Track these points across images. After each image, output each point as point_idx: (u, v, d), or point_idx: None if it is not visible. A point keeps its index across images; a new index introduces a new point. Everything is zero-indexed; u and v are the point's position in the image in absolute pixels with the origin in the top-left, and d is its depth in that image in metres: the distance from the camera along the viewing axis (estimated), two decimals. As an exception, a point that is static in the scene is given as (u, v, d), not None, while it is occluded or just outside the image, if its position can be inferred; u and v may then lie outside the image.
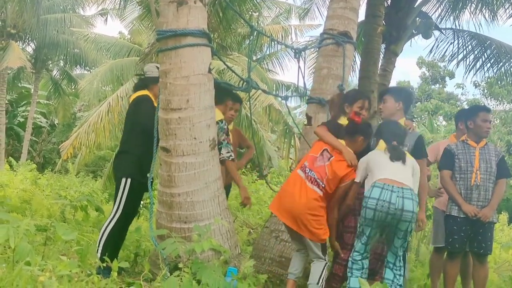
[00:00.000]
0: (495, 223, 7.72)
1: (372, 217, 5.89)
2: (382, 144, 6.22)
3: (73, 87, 38.08)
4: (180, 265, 5.54)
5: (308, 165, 6.25)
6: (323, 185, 6.13)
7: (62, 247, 6.72)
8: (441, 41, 15.11)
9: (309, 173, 6.20)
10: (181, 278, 5.24)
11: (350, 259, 6.14)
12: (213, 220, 6.23)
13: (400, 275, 6.09)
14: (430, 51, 15.52)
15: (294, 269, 6.48)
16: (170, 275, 5.42)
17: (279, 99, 24.98)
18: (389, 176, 5.93)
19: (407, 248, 6.88)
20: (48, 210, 10.56)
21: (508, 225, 22.13)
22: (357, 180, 6.21)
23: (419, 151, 6.67)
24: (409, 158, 6.12)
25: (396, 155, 6.03)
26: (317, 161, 6.23)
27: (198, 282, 5.36)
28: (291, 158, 24.23)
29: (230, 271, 5.79)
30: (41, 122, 40.25)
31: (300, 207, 6.09)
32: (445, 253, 8.01)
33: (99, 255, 6.46)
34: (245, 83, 7.38)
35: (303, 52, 8.68)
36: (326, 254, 6.33)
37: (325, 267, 6.27)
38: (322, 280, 6.21)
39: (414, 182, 6.09)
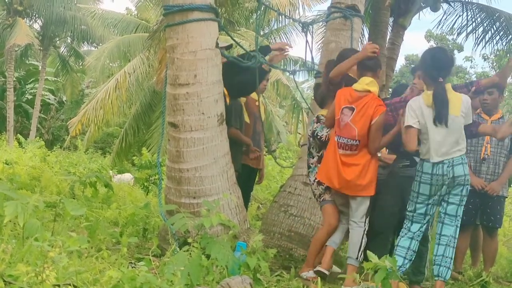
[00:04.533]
0: (506, 197, 7.66)
1: (428, 193, 5.91)
2: (427, 97, 5.89)
3: (80, 63, 38.14)
4: (189, 240, 5.54)
5: (336, 131, 6.21)
6: (357, 143, 6.11)
7: (71, 223, 6.72)
8: (449, 14, 14.96)
9: (339, 140, 6.17)
10: (190, 253, 5.24)
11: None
12: (221, 195, 6.23)
13: (453, 247, 6.04)
14: (439, 24, 15.41)
15: (335, 237, 6.43)
16: (180, 250, 5.42)
17: (287, 74, 24.94)
18: (441, 154, 5.85)
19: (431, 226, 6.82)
20: (57, 187, 10.56)
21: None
22: (410, 123, 5.90)
23: None
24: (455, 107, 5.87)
25: (440, 118, 5.79)
26: (341, 122, 6.15)
27: (208, 257, 5.36)
28: (299, 133, 24.20)
29: (239, 246, 5.79)
30: (49, 99, 40.31)
31: (344, 178, 6.14)
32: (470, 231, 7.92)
33: None
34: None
35: (310, 26, 8.66)
36: (367, 218, 6.30)
37: (364, 234, 6.24)
38: (361, 252, 6.18)
39: (467, 121, 5.97)
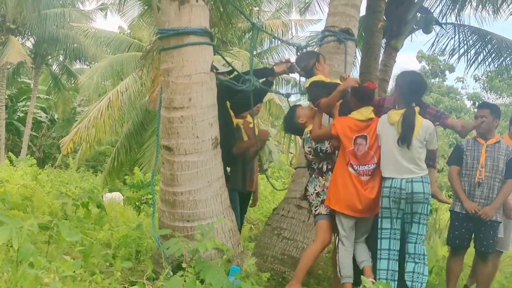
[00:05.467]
0: (500, 222, 7.64)
1: (388, 205, 6.08)
2: (395, 116, 6.14)
3: (72, 82, 38.12)
4: (184, 265, 5.54)
5: (353, 162, 6.27)
6: (375, 165, 6.27)
7: (65, 246, 6.71)
8: (441, 36, 15.14)
9: (358, 169, 6.26)
10: (184, 278, 5.24)
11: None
12: (215, 219, 6.21)
13: (423, 263, 6.17)
14: (431, 46, 15.54)
15: (349, 271, 6.32)
16: (173, 274, 5.42)
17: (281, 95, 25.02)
18: (400, 172, 6.06)
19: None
20: (50, 207, 10.53)
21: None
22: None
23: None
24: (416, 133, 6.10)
25: (404, 140, 6.04)
26: (358, 152, 6.26)
27: (202, 281, 5.36)
28: (291, 153, 24.21)
29: (233, 270, 5.79)
30: (41, 117, 40.26)
31: (368, 197, 6.25)
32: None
33: None
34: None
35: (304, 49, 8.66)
36: None
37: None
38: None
39: (429, 145, 6.22)
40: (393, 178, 6.05)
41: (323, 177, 6.58)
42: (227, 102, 7.29)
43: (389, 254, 6.14)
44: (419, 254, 6.15)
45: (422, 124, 6.12)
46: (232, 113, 7.50)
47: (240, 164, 7.72)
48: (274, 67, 7.64)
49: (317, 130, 6.55)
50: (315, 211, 6.57)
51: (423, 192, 6.06)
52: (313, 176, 6.69)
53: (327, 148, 6.51)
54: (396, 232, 6.18)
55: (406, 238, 6.23)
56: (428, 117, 6.29)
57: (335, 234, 6.48)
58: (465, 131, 6.84)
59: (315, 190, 6.59)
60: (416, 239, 6.16)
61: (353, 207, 6.26)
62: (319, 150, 6.55)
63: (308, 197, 6.71)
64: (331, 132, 6.37)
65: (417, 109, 6.16)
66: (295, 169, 9.13)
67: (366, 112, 6.35)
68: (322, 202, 6.50)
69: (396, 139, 6.05)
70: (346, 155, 6.30)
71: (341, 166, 6.35)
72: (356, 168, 6.25)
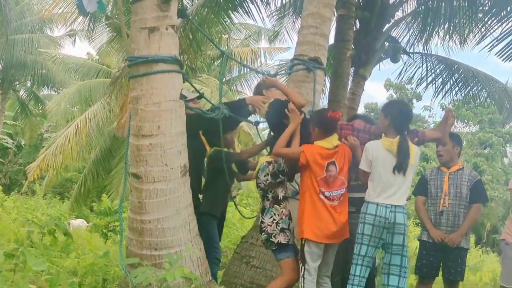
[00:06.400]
0: (467, 249, 7.69)
1: (370, 233, 6.05)
2: (389, 143, 6.17)
3: (40, 108, 37.81)
4: (151, 294, 5.50)
5: (324, 189, 6.26)
6: (345, 189, 6.35)
7: (31, 274, 6.62)
8: (409, 65, 15.36)
9: (330, 195, 6.26)
10: (152, 307, 5.20)
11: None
12: (184, 247, 6.18)
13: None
14: (399, 75, 15.72)
15: None
16: (141, 303, 5.37)
17: (251, 123, 25.05)
18: (388, 196, 6.07)
19: (376, 271, 6.93)
20: (15, 235, 10.43)
21: (475, 247, 22.26)
22: (362, 167, 6.31)
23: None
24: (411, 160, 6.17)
25: (401, 168, 6.08)
26: (330, 179, 6.27)
27: (169, 310, 5.32)
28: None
29: (202, 299, 5.76)
30: (7, 143, 39.85)
31: (341, 221, 6.26)
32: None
33: None
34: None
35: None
36: None
37: None
38: None
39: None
40: (378, 205, 6.02)
41: (280, 205, 6.54)
42: (200, 130, 7.31)
43: (359, 281, 6.10)
44: (396, 287, 6.15)
45: (415, 151, 6.21)
46: (205, 140, 7.52)
47: (222, 188, 7.68)
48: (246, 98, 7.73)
49: (281, 148, 6.49)
50: (275, 239, 6.51)
51: (404, 223, 6.08)
52: (269, 206, 6.62)
53: (283, 167, 6.50)
54: (370, 260, 6.15)
55: (385, 269, 6.20)
56: (409, 138, 6.33)
57: (300, 264, 6.39)
58: (445, 135, 6.82)
59: (274, 219, 6.52)
60: (400, 272, 6.13)
61: (327, 232, 6.21)
62: (278, 172, 6.53)
63: (264, 229, 6.55)
64: (298, 157, 6.32)
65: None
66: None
67: (333, 140, 6.39)
68: (282, 230, 6.44)
69: (392, 166, 6.07)
70: (315, 184, 6.27)
71: (310, 195, 6.31)
72: (327, 195, 6.24)
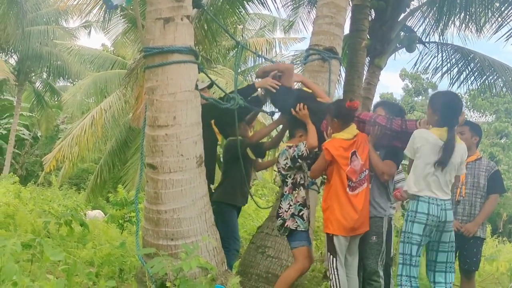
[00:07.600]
0: (483, 239, 7.66)
1: (422, 232, 5.88)
2: (443, 132, 5.96)
3: (56, 99, 37.97)
4: (168, 284, 5.52)
5: (354, 178, 6.26)
6: (366, 173, 6.38)
7: (48, 264, 6.66)
8: (425, 55, 15.21)
9: (355, 184, 6.27)
10: (168, 297, 5.21)
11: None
12: (200, 237, 6.20)
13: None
14: (414, 65, 15.62)
15: None
16: (157, 293, 5.39)
17: (266, 114, 25.04)
18: (434, 189, 5.91)
19: (392, 262, 6.90)
20: (32, 225, 10.46)
21: (491, 237, 22.15)
22: (407, 153, 6.16)
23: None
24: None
25: (442, 163, 5.88)
26: (356, 168, 6.28)
27: (186, 300, 5.33)
28: (275, 170, 24.19)
29: (217, 289, 5.77)
30: (23, 134, 39.98)
31: (362, 211, 6.27)
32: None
33: None
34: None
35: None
36: None
37: None
38: None
39: (461, 170, 6.20)
40: (430, 204, 5.84)
41: (296, 191, 6.62)
42: (212, 120, 7.30)
43: (410, 281, 5.97)
44: (449, 283, 6.10)
45: (462, 148, 6.09)
46: (216, 130, 7.51)
47: (239, 176, 7.67)
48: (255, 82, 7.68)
49: (313, 140, 6.54)
50: (293, 225, 6.53)
51: (452, 220, 6.01)
52: (287, 192, 6.69)
53: (303, 152, 6.51)
54: (419, 260, 6.03)
55: (431, 267, 6.15)
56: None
57: (331, 257, 6.36)
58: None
59: (291, 205, 6.60)
60: (446, 267, 6.08)
61: (353, 224, 6.21)
62: (297, 157, 6.55)
63: (281, 214, 6.67)
64: (325, 158, 6.32)
65: None
66: (279, 187, 9.13)
67: (352, 130, 6.39)
68: (292, 215, 6.54)
69: (436, 159, 5.87)
70: (343, 177, 6.25)
71: (335, 191, 6.31)
72: (352, 185, 6.24)
